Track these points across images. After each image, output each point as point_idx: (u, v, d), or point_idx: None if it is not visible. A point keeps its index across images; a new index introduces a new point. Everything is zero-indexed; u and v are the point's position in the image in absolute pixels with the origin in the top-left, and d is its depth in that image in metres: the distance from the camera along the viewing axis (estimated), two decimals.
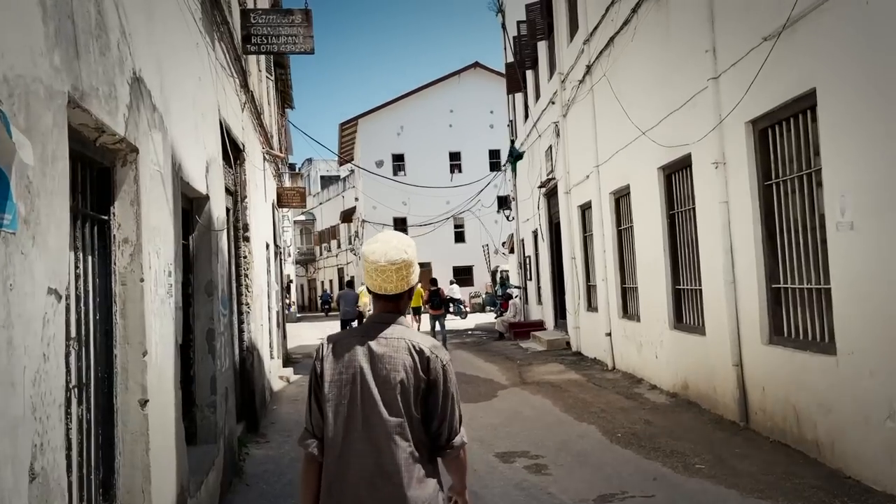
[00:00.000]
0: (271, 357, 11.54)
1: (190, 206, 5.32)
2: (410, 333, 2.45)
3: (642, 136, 9.85)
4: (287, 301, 47.83)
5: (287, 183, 55.24)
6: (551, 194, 17.69)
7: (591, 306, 14.25)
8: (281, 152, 34.03)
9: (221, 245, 5.87)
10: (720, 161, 7.47)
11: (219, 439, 5.35)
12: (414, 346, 2.39)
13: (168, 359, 3.85)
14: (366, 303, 32.82)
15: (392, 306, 2.51)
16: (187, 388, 5.21)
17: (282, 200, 14.33)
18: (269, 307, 11.64)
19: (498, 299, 23.36)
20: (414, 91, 38.47)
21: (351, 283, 22.47)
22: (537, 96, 18.90)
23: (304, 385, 13.19)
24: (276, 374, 12.19)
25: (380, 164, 37.51)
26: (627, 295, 11.79)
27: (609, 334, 12.44)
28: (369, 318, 2.52)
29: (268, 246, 11.56)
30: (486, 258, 35.14)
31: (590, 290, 14.40)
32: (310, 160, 62.25)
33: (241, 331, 8.23)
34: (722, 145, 7.47)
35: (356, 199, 41.55)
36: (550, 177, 16.96)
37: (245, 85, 8.42)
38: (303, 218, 60.03)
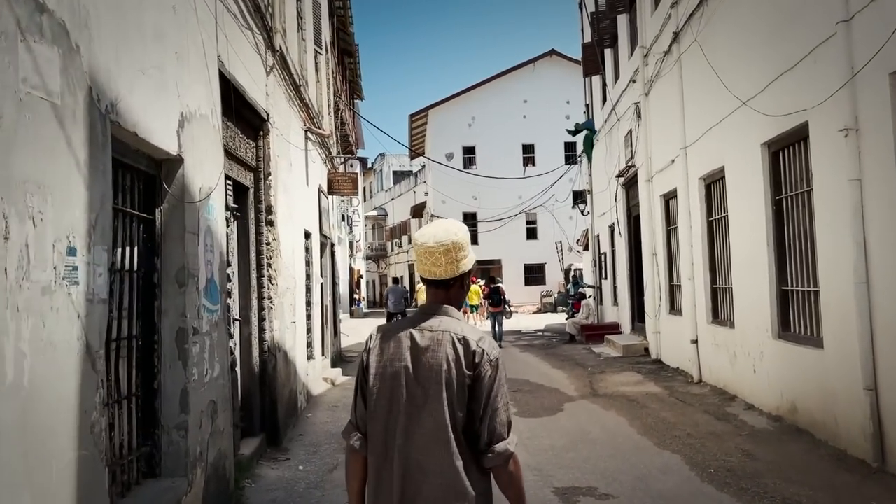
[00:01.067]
0: (310, 357, 10.43)
1: (158, 171, 4.15)
2: (457, 325, 2.29)
3: (742, 106, 8.24)
4: (356, 296, 47.56)
5: (358, 176, 54.79)
6: (630, 184, 16.05)
7: (674, 309, 12.59)
8: (352, 143, 33.35)
9: (211, 223, 4.69)
10: (850, 127, 5.84)
11: (191, 470, 4.16)
12: (459, 339, 2.25)
13: (61, 378, 2.65)
14: (422, 300, 32.84)
15: (442, 295, 2.37)
16: (149, 404, 4.05)
17: (332, 187, 13.24)
18: (309, 302, 10.54)
19: (570, 299, 21.77)
20: (486, 81, 37.07)
21: (397, 280, 24.43)
22: (616, 77, 17.27)
23: (350, 388, 12.06)
24: (319, 376, 11.08)
25: (450, 156, 36.30)
26: (718, 296, 10.14)
27: (695, 341, 10.80)
28: (418, 308, 2.39)
29: (308, 235, 10.45)
30: (559, 255, 33.46)
31: (673, 290, 12.75)
32: (382, 155, 61.82)
33: (261, 329, 7.09)
34: (854, 107, 5.83)
35: (426, 193, 40.52)
36: (630, 164, 15.33)
37: (271, 46, 7.27)
38: (374, 213, 59.78)
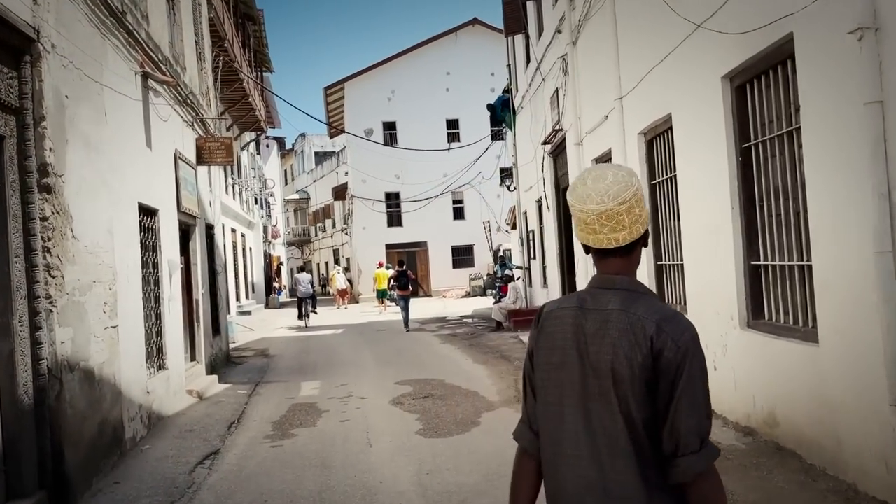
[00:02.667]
0: (161, 368, 8.22)
1: None
2: (636, 303, 1.77)
3: (694, 32, 6.42)
4: (276, 285, 44.86)
5: (274, 160, 51.65)
6: (558, 151, 14.26)
7: None
8: (260, 119, 30.68)
9: None
10: (867, 26, 4.02)
11: None
12: (635, 321, 1.74)
13: None
14: (336, 284, 30.42)
15: (617, 264, 1.84)
16: None
17: (202, 155, 10.91)
18: (158, 297, 8.29)
19: (497, 282, 19.97)
20: (406, 51, 34.80)
21: (303, 268, 24.83)
22: (540, 31, 15.40)
23: (225, 399, 9.88)
24: (179, 390, 8.87)
25: (369, 132, 33.95)
26: (665, 276, 8.38)
27: None
28: (589, 283, 1.88)
29: (152, 212, 8.19)
30: (488, 236, 31.71)
31: None
32: (303, 135, 59.04)
33: (35, 342, 4.89)
34: None
35: (346, 174, 38.14)
36: (557, 128, 13.51)
37: None
38: (296, 196, 56.97)
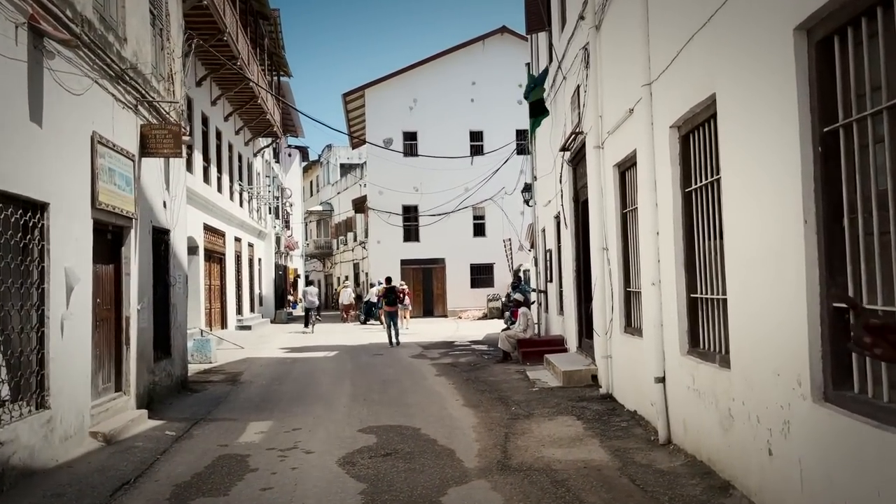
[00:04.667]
0: (37, 407, 6.40)
1: None
2: None
3: None
4: (290, 298, 43.24)
5: (296, 170, 50.56)
6: (578, 160, 12.31)
7: (632, 326, 8.82)
8: (273, 124, 29.13)
9: None
10: None
11: None
12: None
13: None
14: (343, 298, 30.38)
15: None
16: None
17: (148, 145, 9.16)
18: (42, 316, 6.48)
19: (509, 305, 17.96)
20: (430, 59, 33.11)
21: (312, 281, 24.20)
22: (563, 23, 13.50)
23: (134, 449, 7.92)
24: (79, 432, 7.04)
25: (388, 142, 32.27)
26: (701, 312, 6.34)
27: (661, 380, 7.01)
28: None
29: (38, 207, 6.40)
30: (508, 255, 29.71)
31: (630, 298, 8.97)
32: (329, 146, 57.77)
33: None
34: None
35: (364, 185, 36.49)
36: (577, 131, 11.56)
37: None
38: (319, 208, 55.57)
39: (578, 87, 11.48)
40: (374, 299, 27.57)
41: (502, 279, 31.96)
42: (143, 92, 9.27)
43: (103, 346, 8.39)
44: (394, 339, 18.44)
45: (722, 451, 5.55)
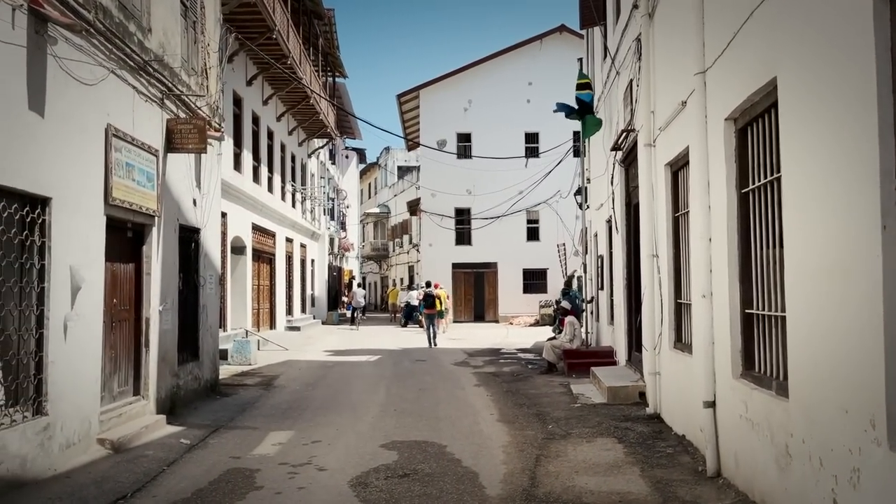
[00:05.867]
0: (35, 413, 6.04)
1: None
2: None
3: None
4: (344, 300, 43.18)
5: (353, 171, 50.65)
6: (630, 160, 11.54)
7: (682, 341, 8.03)
8: (327, 125, 28.98)
9: None
10: None
11: None
12: None
13: None
14: (393, 300, 31.21)
15: None
16: None
17: (173, 140, 8.83)
18: (41, 317, 6.14)
19: (557, 313, 17.20)
20: (486, 59, 32.48)
21: (360, 284, 26.59)
22: (617, 15, 12.74)
23: (141, 459, 7.47)
24: (85, 439, 6.70)
25: (442, 143, 31.80)
26: (756, 330, 5.55)
27: (711, 405, 6.24)
28: None
29: (38, 201, 6.06)
30: (562, 260, 28.83)
31: (680, 311, 8.18)
32: (387, 149, 57.78)
33: None
34: None
35: (417, 188, 36.10)
36: (629, 128, 10.81)
37: None
38: (376, 210, 55.56)
39: (631, 81, 10.73)
40: (415, 303, 28.21)
41: (556, 285, 31.04)
42: (170, 85, 8.95)
43: (120, 349, 8.07)
44: (432, 340, 19.76)
45: (777, 492, 4.77)
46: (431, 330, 19.98)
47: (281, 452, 7.41)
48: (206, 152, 9.47)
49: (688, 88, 6.88)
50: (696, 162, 6.64)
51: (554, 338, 14.76)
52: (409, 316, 29.64)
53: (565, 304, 15.65)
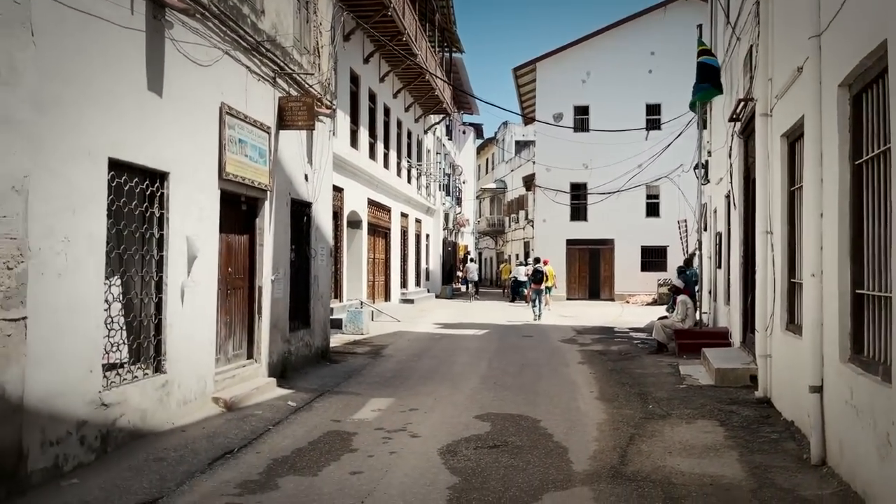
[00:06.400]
0: (155, 371, 6.56)
1: None
2: None
3: None
4: (459, 274, 43.71)
5: (470, 147, 50.85)
6: (749, 131, 10.94)
7: (794, 322, 7.61)
8: (443, 101, 29.24)
9: None
10: None
11: None
12: None
13: None
14: (506, 275, 31.91)
15: None
16: None
17: (285, 117, 9.24)
18: (160, 283, 6.64)
19: (670, 292, 16.67)
20: (606, 28, 31.56)
21: (474, 259, 27.08)
22: None
23: (251, 418, 7.94)
24: (200, 397, 7.23)
25: (558, 117, 31.32)
26: (867, 312, 5.19)
27: (818, 389, 5.90)
28: None
29: (156, 176, 6.53)
30: (683, 237, 27.77)
31: (793, 291, 7.74)
32: (505, 123, 57.48)
33: None
34: None
35: (534, 162, 35.78)
36: (748, 97, 10.24)
37: None
38: (493, 186, 55.60)
39: (751, 48, 10.15)
40: (523, 278, 28.69)
41: (676, 264, 30.00)
42: (282, 64, 9.33)
43: (234, 315, 8.60)
44: (537, 313, 20.67)
45: (878, 483, 4.48)
46: (537, 305, 20.78)
47: (379, 418, 7.69)
48: (314, 129, 9.83)
49: (804, 54, 6.44)
50: (809, 132, 6.23)
51: (665, 317, 14.32)
52: (515, 291, 30.26)
53: (678, 282, 15.16)
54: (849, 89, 5.41)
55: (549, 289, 23.39)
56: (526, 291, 26.91)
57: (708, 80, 13.52)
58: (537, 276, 21.16)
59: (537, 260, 23.77)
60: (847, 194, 5.42)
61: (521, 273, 29.12)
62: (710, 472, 5.75)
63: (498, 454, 6.29)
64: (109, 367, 5.96)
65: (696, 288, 16.00)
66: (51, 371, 5.06)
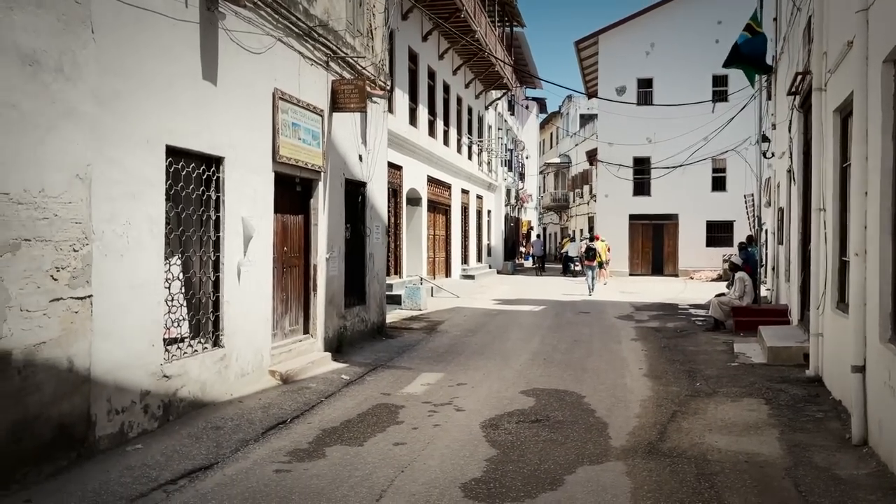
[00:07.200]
0: (214, 345, 6.98)
1: None
2: None
3: None
4: (522, 250, 43.72)
5: (533, 122, 50.48)
6: (809, 105, 10.64)
7: (843, 301, 7.49)
8: (503, 76, 29.13)
9: None
10: None
11: None
12: None
13: None
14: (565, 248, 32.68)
15: None
16: None
17: (337, 100, 9.50)
18: (217, 262, 7.03)
19: (730, 269, 16.37)
20: None
21: (539, 235, 27.21)
22: None
23: (305, 390, 8.29)
24: (257, 370, 7.64)
25: (621, 90, 30.79)
26: None
27: (860, 369, 5.86)
28: None
29: (212, 161, 6.89)
30: (749, 212, 27.04)
31: (845, 270, 7.60)
32: (569, 97, 56.68)
33: None
34: None
35: (596, 136, 35.31)
36: (806, 70, 9.98)
37: None
38: (557, 161, 55.10)
39: (810, 19, 9.85)
40: (573, 253, 31.40)
41: (742, 239, 29.34)
42: (335, 48, 9.59)
43: (290, 292, 8.98)
44: (590, 287, 21.36)
45: None
46: (591, 280, 21.49)
47: (427, 392, 7.96)
48: (365, 111, 10.08)
49: (854, 28, 6.29)
50: (857, 108, 6.11)
51: (723, 294, 14.12)
52: (565, 266, 32.14)
53: (736, 258, 14.90)
54: (893, 65, 5.29)
55: (601, 264, 23.95)
56: (573, 266, 30.54)
57: (744, 60, 13.25)
58: (590, 253, 21.65)
59: (592, 238, 24.44)
60: (889, 172, 5.33)
61: (573, 249, 31.65)
62: (747, 449, 5.80)
63: (538, 428, 6.47)
64: (171, 342, 6.39)
65: (761, 265, 15.68)
66: (115, 345, 5.49)
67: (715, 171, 30.63)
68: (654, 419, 6.83)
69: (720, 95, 29.48)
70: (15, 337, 4.53)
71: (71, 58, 5.02)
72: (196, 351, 6.71)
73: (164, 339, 6.22)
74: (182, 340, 6.62)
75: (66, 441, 5.00)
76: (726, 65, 13.34)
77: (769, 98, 17.99)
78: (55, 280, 4.86)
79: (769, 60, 15.22)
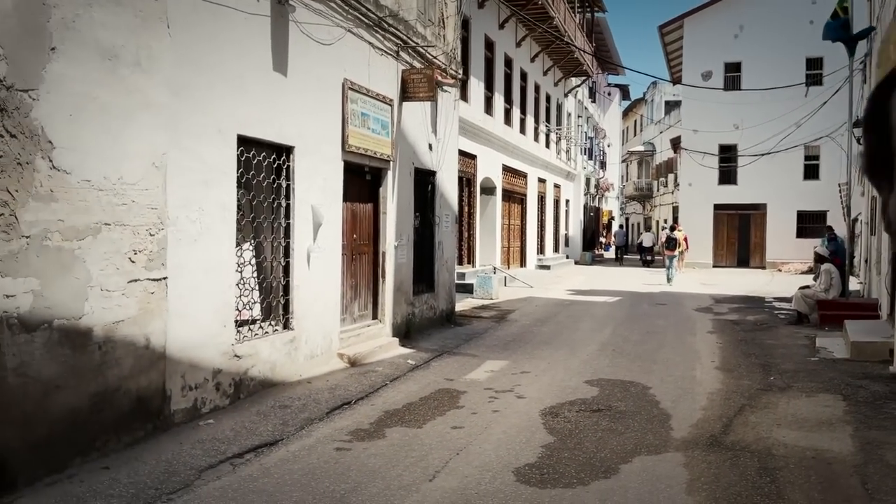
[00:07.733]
0: (284, 327, 7.24)
1: None
2: None
3: None
4: (602, 240, 43.08)
5: (615, 109, 49.68)
6: None
7: None
8: (584, 63, 28.72)
9: None
10: None
11: None
12: None
13: None
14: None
15: None
16: None
17: (407, 90, 9.62)
18: (287, 248, 7.28)
19: (817, 263, 15.70)
20: None
21: (622, 225, 27.76)
22: None
23: (372, 374, 8.51)
24: (326, 353, 7.89)
25: (707, 76, 29.78)
26: None
27: None
28: None
29: (282, 150, 7.12)
30: (843, 202, 25.75)
31: None
32: (654, 83, 55.23)
33: None
34: None
35: (681, 123, 34.33)
36: None
37: None
38: (641, 149, 53.92)
39: None
40: (647, 244, 32.32)
41: (837, 230, 27.98)
42: (405, 38, 9.71)
43: (360, 278, 9.20)
44: (669, 277, 21.12)
45: None
46: (670, 270, 21.33)
47: (490, 379, 8.02)
48: (435, 100, 10.17)
49: None
50: None
51: (808, 287, 13.55)
52: (642, 257, 32.63)
53: (821, 250, 14.27)
54: None
55: (680, 253, 23.80)
56: (646, 256, 31.53)
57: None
58: (671, 243, 21.55)
59: (672, 228, 24.00)
60: None
61: (647, 239, 33.04)
62: (815, 445, 5.61)
63: (599, 417, 6.44)
64: (242, 323, 6.67)
65: (851, 255, 14.95)
66: (189, 325, 5.79)
67: (807, 158, 29.26)
68: (720, 412, 6.67)
69: (814, 79, 28.13)
70: (96, 315, 4.85)
71: (147, 52, 5.30)
72: (266, 333, 6.98)
73: (236, 321, 6.51)
74: (253, 322, 6.90)
75: (142, 413, 5.32)
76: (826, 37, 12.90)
77: (864, 81, 17.11)
78: (133, 262, 5.16)
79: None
